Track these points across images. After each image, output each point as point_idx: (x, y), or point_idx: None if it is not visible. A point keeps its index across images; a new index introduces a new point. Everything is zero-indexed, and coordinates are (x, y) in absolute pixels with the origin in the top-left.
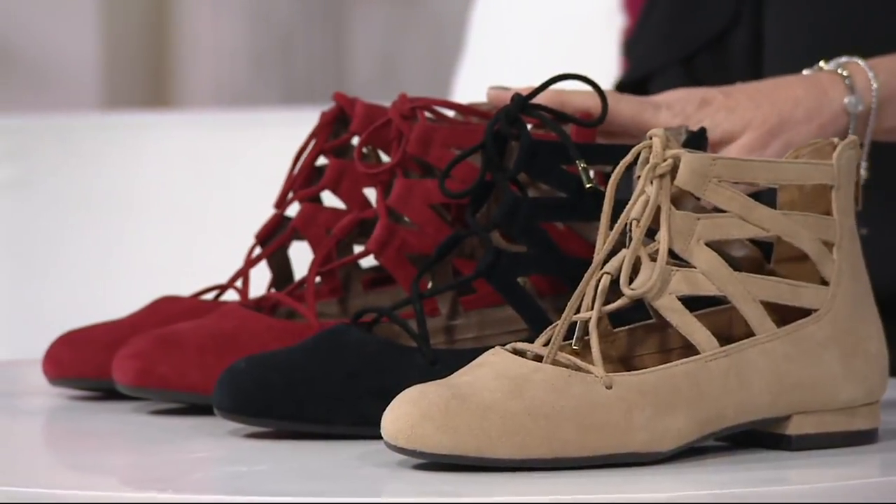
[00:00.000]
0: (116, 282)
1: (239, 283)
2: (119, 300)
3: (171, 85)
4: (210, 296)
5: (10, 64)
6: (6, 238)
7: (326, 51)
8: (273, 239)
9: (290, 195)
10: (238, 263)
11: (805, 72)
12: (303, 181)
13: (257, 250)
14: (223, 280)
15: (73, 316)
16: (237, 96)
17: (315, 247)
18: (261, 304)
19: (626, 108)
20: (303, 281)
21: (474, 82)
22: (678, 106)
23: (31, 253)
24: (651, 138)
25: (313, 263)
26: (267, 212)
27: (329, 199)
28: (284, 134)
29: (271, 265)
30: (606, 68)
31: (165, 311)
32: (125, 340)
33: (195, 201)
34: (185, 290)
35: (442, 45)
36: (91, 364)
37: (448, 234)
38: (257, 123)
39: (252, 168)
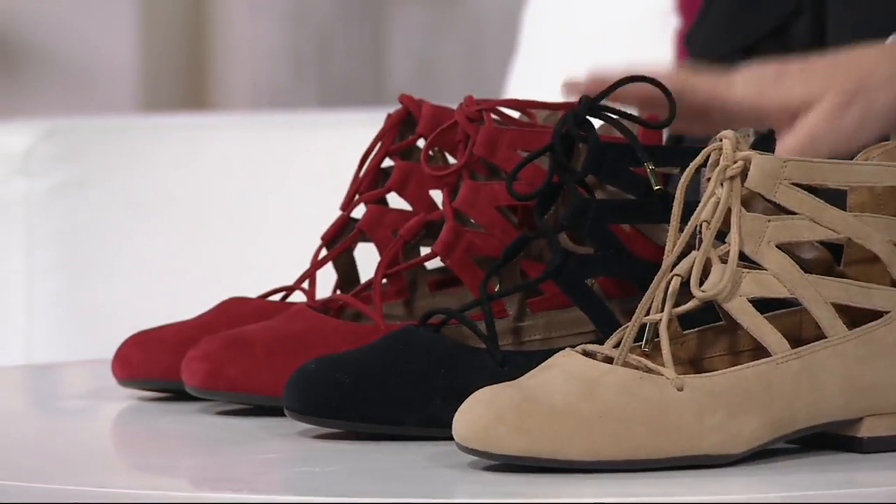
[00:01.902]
0: (172, 283)
1: (305, 285)
2: (175, 301)
3: (209, 86)
4: (277, 297)
5: (50, 66)
6: (62, 240)
7: (364, 52)
8: (339, 241)
9: (356, 197)
10: (294, 264)
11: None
12: (369, 183)
13: (323, 252)
14: (281, 280)
15: (130, 318)
16: (275, 98)
17: (381, 248)
18: (328, 306)
19: (702, 84)
20: (369, 283)
21: (526, 84)
22: (753, 79)
23: (87, 254)
24: (721, 140)
25: (380, 265)
26: (322, 213)
27: (395, 202)
28: (337, 135)
29: (337, 267)
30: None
31: (233, 311)
32: (194, 342)
33: (250, 203)
34: (242, 290)
35: (480, 45)
36: (160, 365)
37: (514, 236)
38: (310, 125)
39: (306, 170)
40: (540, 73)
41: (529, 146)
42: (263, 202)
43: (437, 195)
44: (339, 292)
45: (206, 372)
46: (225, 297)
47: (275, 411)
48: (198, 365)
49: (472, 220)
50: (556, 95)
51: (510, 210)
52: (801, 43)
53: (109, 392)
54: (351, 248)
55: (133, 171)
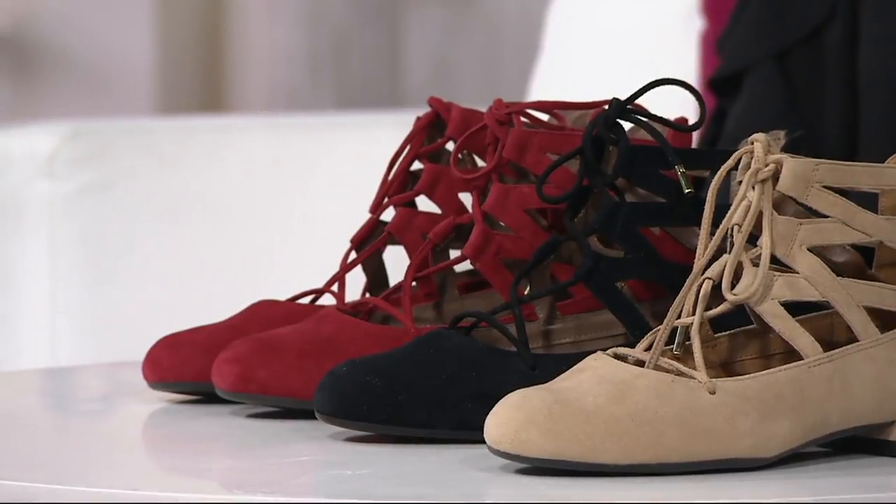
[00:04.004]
0: (195, 285)
1: (335, 288)
2: (198, 303)
3: (225, 87)
4: (306, 300)
5: (68, 68)
6: (86, 242)
7: (381, 53)
8: (368, 243)
9: (385, 200)
10: (317, 265)
11: None
12: (398, 186)
13: (353, 255)
14: (304, 280)
15: (153, 320)
16: (292, 99)
17: (411, 251)
18: (357, 309)
19: None
20: (399, 286)
21: (550, 85)
22: None
23: (110, 257)
24: (752, 143)
25: (409, 268)
26: (345, 214)
27: (424, 205)
28: (358, 137)
29: (366, 269)
30: (685, 71)
31: (264, 314)
32: (224, 344)
33: (273, 205)
34: (264, 292)
35: (497, 46)
36: (191, 368)
37: (544, 238)
38: (331, 127)
39: (329, 172)
40: (565, 74)
41: (559, 149)
42: (286, 204)
43: (465, 198)
44: (368, 295)
45: (237, 375)
46: (248, 299)
47: (305, 414)
48: (229, 368)
49: (502, 224)
50: (581, 96)
51: (539, 213)
52: (833, 49)
53: (134, 394)
54: (380, 251)
55: (157, 173)
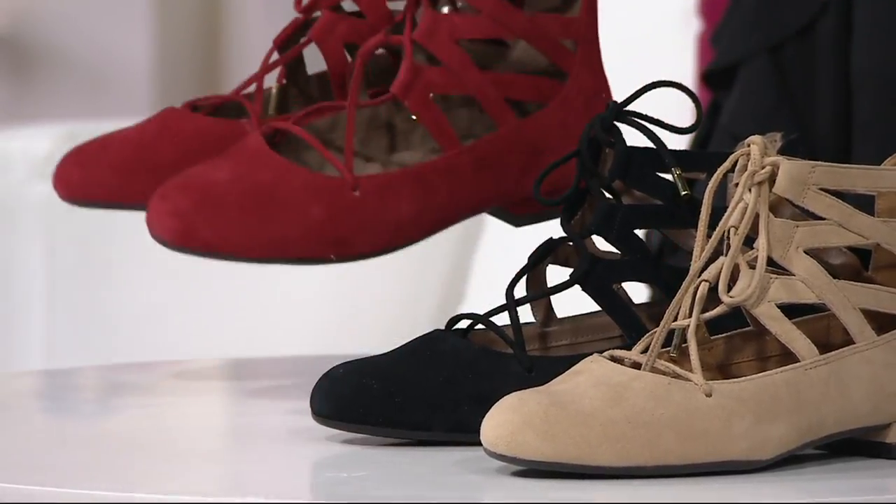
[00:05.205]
0: (192, 287)
1: (252, 89)
2: (197, 305)
3: (223, 88)
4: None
5: (65, 69)
6: (83, 243)
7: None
8: (290, 46)
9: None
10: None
11: None
12: None
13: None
14: (308, 284)
15: (151, 321)
16: None
17: (330, 61)
18: (276, 135)
19: None
20: (321, 107)
21: None
22: None
23: (107, 259)
24: (748, 145)
25: (332, 84)
26: None
27: None
28: None
29: (287, 74)
30: (682, 72)
31: (175, 130)
32: (135, 162)
33: None
34: (261, 292)
35: None
36: (103, 188)
37: (475, 73)
38: None
39: None
40: None
41: None
42: None
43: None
44: (284, 82)
45: (179, 231)
46: (245, 301)
47: (305, 415)
48: (170, 222)
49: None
50: None
51: (472, 44)
52: (826, 42)
53: (132, 396)
54: (301, 55)
55: None
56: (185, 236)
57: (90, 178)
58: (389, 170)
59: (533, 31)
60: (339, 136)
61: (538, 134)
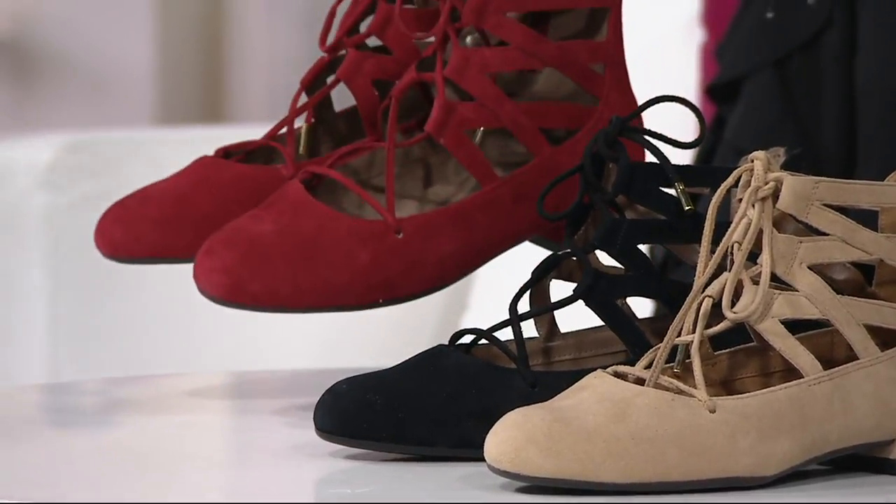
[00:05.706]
0: (197, 297)
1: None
2: (199, 316)
3: (225, 95)
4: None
5: (67, 76)
6: (86, 253)
7: None
8: (318, 87)
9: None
10: None
11: None
12: (352, 23)
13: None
14: None
15: (154, 332)
16: None
17: (361, 100)
18: (312, 180)
19: None
20: (354, 148)
21: None
22: None
23: (110, 269)
24: (752, 161)
25: (364, 123)
26: None
27: None
28: None
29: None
30: (686, 84)
31: (213, 180)
32: (177, 217)
33: None
34: None
35: None
36: (144, 245)
37: (508, 105)
38: None
39: None
40: None
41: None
42: None
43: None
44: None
45: (228, 287)
46: (247, 314)
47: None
48: (218, 278)
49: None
50: None
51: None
52: (831, 56)
53: (134, 410)
54: (329, 96)
55: None
56: (233, 291)
57: (131, 234)
58: (426, 206)
59: (563, 59)
60: (376, 176)
61: (573, 160)
